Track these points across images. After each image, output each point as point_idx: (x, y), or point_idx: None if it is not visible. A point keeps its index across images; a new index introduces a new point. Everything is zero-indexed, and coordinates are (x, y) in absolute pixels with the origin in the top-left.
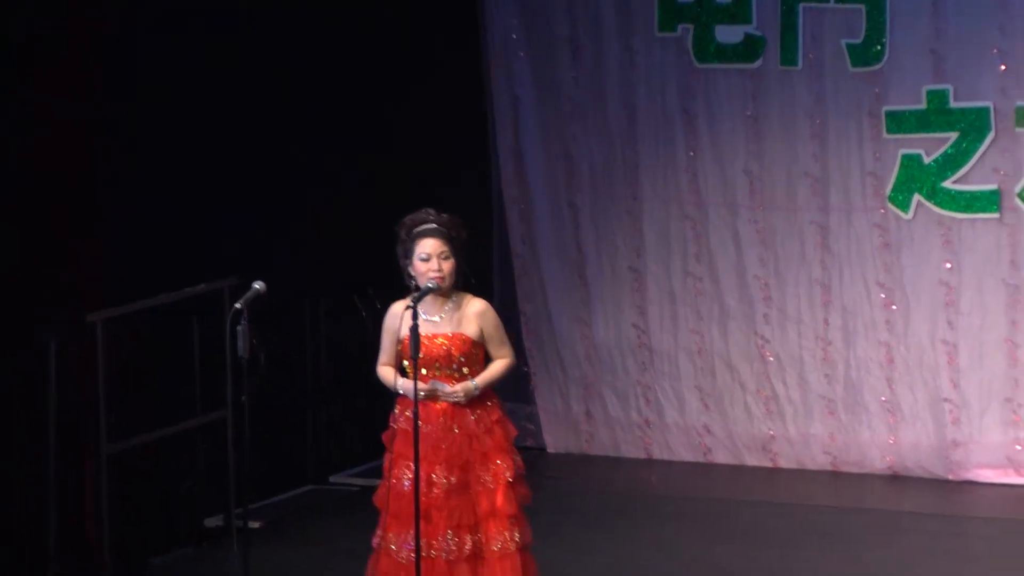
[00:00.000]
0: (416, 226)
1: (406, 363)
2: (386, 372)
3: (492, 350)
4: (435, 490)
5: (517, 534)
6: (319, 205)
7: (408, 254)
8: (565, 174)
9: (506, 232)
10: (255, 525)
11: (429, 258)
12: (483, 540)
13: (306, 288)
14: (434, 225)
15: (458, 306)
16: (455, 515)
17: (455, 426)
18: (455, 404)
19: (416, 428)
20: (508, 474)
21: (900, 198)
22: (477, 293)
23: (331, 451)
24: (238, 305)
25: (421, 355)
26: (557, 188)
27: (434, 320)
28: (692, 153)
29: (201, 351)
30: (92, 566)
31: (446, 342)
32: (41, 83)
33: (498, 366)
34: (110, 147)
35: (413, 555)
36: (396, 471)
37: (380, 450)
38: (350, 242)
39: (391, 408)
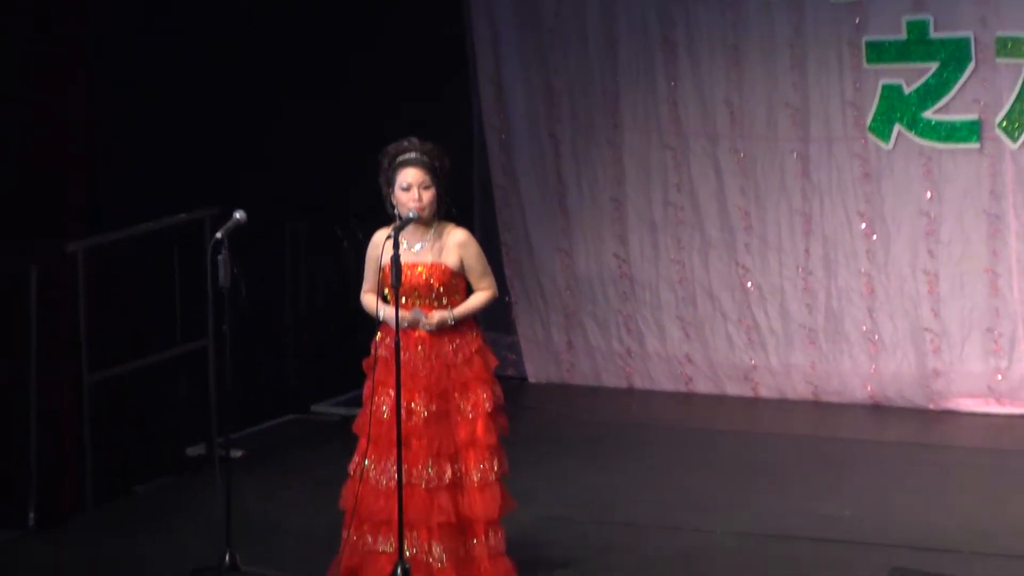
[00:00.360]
0: (398, 155)
1: (387, 291)
2: (369, 299)
3: (473, 281)
4: (414, 418)
5: (496, 464)
6: (300, 135)
7: (390, 183)
8: (545, 104)
9: (487, 162)
10: (237, 454)
11: (409, 188)
12: (463, 470)
13: (286, 217)
14: (415, 155)
15: (439, 236)
16: (435, 444)
17: (432, 355)
18: (432, 333)
19: (397, 356)
20: (488, 404)
21: (880, 128)
22: (458, 223)
23: (312, 380)
24: (219, 235)
25: (401, 283)
26: (537, 118)
27: (415, 249)
28: (673, 83)
29: (182, 281)
30: (74, 495)
31: (425, 271)
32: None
33: (479, 297)
34: (94, 77)
35: (393, 483)
36: (377, 399)
37: (361, 379)
38: (331, 171)
39: (373, 335)
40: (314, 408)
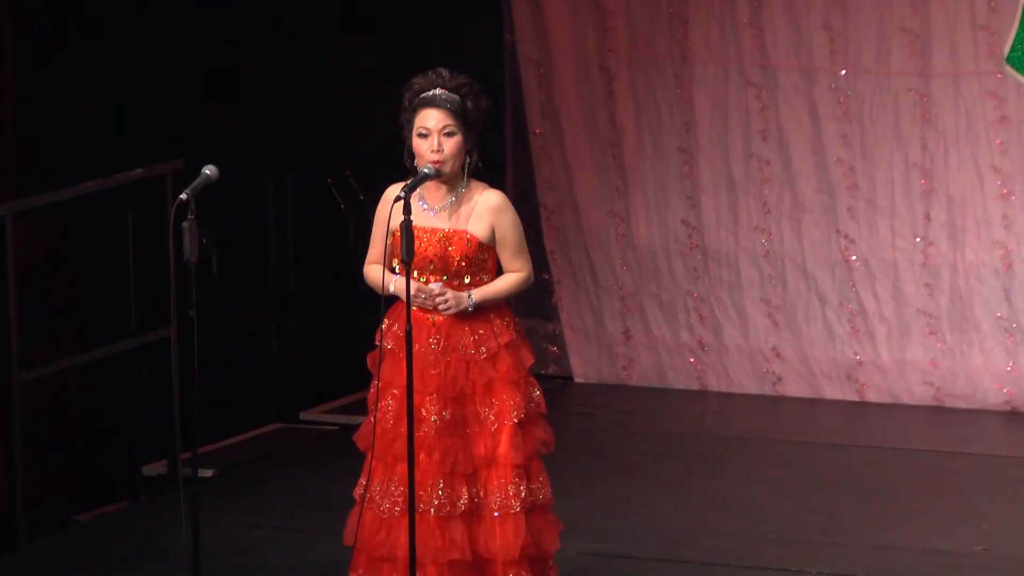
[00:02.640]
0: (420, 92)
1: (397, 264)
2: (374, 271)
3: (505, 258)
4: (424, 428)
5: (523, 489)
6: (286, 66)
7: (409, 127)
8: (596, 28)
9: (522, 103)
10: (206, 474)
11: (428, 134)
12: (481, 495)
13: (269, 171)
14: (439, 92)
15: (467, 197)
16: (448, 460)
17: (448, 348)
18: (451, 317)
19: (409, 345)
20: (516, 413)
21: (1021, 59)
22: (490, 182)
23: (303, 380)
24: (184, 196)
25: (414, 254)
26: (586, 46)
27: (434, 210)
28: (757, 2)
29: (137, 254)
30: (2, 528)
31: (445, 239)
32: None
33: (509, 281)
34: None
35: (399, 509)
36: (382, 403)
37: (364, 379)
38: (327, 112)
39: (377, 323)
40: (304, 415)
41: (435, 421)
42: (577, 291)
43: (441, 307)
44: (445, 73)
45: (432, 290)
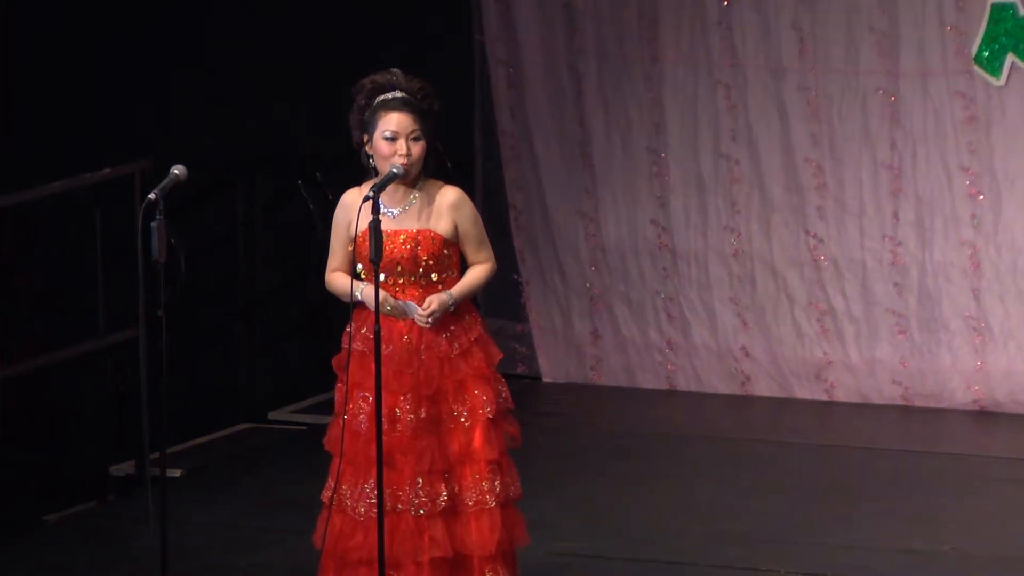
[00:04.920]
0: (380, 93)
1: (361, 268)
2: (338, 279)
3: (469, 252)
4: (399, 428)
5: (498, 484)
6: (253, 64)
7: (367, 127)
8: (565, 28)
9: (491, 103)
10: (174, 474)
11: (396, 137)
12: (456, 491)
13: (237, 171)
14: (404, 95)
15: (426, 196)
16: (425, 459)
17: (422, 347)
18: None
19: (378, 349)
20: (488, 408)
21: (989, 59)
22: (454, 182)
23: (271, 380)
24: (152, 195)
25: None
26: (555, 46)
27: (394, 213)
28: (726, 2)
29: (105, 253)
30: None
31: (410, 240)
32: None
33: (478, 273)
34: None
35: (374, 511)
36: (351, 405)
37: (332, 379)
38: (294, 111)
39: (345, 325)
40: (273, 415)
41: (411, 420)
42: (546, 291)
43: (427, 324)
44: (399, 74)
45: (415, 310)
